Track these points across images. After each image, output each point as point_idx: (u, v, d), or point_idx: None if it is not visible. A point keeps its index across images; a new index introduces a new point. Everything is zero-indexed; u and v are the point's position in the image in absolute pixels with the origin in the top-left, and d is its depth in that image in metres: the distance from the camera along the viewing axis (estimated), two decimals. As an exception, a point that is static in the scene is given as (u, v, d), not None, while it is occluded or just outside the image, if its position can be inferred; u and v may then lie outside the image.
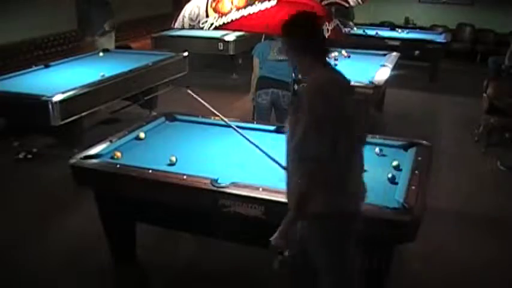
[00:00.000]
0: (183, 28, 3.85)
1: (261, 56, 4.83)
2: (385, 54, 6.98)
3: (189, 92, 3.47)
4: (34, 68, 5.86)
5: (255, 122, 4.17)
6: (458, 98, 7.75)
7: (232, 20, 3.56)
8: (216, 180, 2.83)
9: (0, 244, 3.79)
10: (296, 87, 4.81)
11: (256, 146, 3.11)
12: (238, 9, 3.53)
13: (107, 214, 3.36)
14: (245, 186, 2.78)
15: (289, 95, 4.87)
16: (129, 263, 3.51)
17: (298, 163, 2.15)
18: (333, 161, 2.10)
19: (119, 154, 3.29)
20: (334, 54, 6.82)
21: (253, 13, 3.50)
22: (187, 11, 3.71)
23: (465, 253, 3.76)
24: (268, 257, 2.32)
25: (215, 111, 3.38)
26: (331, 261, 2.34)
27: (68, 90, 4.80)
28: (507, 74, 6.60)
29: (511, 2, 10.12)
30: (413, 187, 2.78)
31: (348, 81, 2.36)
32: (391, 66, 6.27)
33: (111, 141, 3.48)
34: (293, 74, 4.97)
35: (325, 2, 6.08)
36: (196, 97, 3.43)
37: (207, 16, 3.60)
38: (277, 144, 3.63)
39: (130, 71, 5.76)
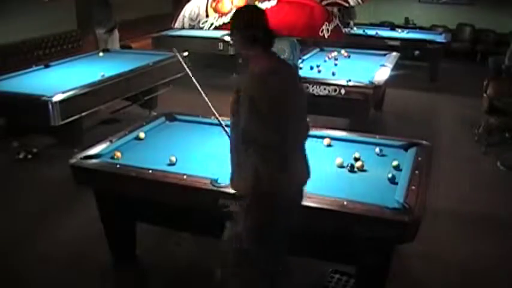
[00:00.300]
0: (183, 28, 3.86)
1: None
2: (385, 54, 6.98)
3: (177, 54, 3.46)
4: (34, 68, 5.86)
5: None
6: (458, 98, 7.75)
7: (232, 20, 3.55)
8: (216, 180, 2.83)
9: (0, 244, 3.79)
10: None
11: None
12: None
13: (107, 214, 3.36)
14: (245, 186, 2.78)
15: None
16: (129, 263, 3.51)
17: (245, 149, 2.23)
18: (274, 145, 2.21)
19: (118, 154, 3.29)
20: (334, 54, 6.83)
21: (253, 13, 3.50)
22: (187, 11, 3.71)
23: (465, 253, 3.76)
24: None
25: (201, 90, 3.30)
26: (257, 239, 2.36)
27: (68, 90, 4.80)
28: (507, 74, 6.59)
29: (511, 2, 10.12)
30: (413, 187, 2.79)
31: (293, 71, 2.46)
32: (391, 66, 6.28)
33: (111, 141, 3.48)
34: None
35: (325, 2, 6.08)
36: (183, 64, 3.40)
37: (207, 16, 3.60)
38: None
39: (130, 71, 5.76)
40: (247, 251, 2.35)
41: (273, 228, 2.33)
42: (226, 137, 2.79)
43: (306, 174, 2.46)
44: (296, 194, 2.41)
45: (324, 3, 5.73)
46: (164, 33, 8.58)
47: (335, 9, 5.93)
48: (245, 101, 2.19)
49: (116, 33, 7.86)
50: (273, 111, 2.19)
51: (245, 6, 2.39)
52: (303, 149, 2.44)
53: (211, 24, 3.61)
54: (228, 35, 8.17)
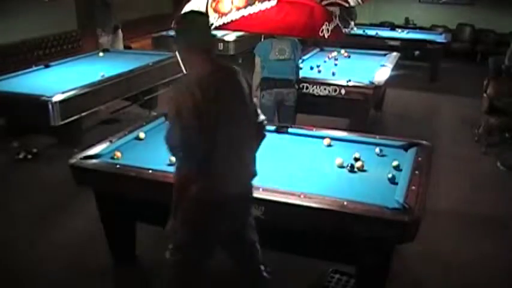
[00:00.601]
0: (183, 28, 3.85)
1: (262, 56, 4.84)
2: (385, 54, 6.98)
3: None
4: (34, 68, 5.86)
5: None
6: (458, 98, 7.75)
7: (232, 20, 3.56)
8: (216, 180, 2.83)
9: (0, 244, 3.79)
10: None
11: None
12: (238, 9, 3.53)
13: (107, 214, 3.36)
14: (245, 186, 2.78)
15: (294, 92, 4.90)
16: (129, 263, 3.51)
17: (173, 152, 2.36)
18: (198, 149, 2.25)
19: (118, 154, 3.29)
20: (334, 54, 6.83)
21: (253, 13, 3.51)
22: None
23: (465, 253, 3.76)
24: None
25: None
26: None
27: (68, 90, 4.80)
28: (507, 74, 6.59)
29: (511, 2, 10.12)
30: (413, 187, 2.79)
31: (232, 77, 2.40)
32: (391, 66, 6.28)
33: (111, 141, 3.48)
34: (296, 73, 5.01)
35: (325, 2, 6.08)
36: None
37: (207, 16, 3.60)
38: (277, 144, 3.64)
39: (130, 71, 5.76)
40: (180, 241, 2.43)
41: (200, 227, 2.39)
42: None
43: (247, 176, 2.47)
44: (232, 197, 2.38)
45: (324, 3, 5.72)
46: (164, 33, 8.57)
47: (335, 9, 5.93)
48: (172, 107, 2.26)
49: (120, 34, 7.86)
50: (194, 119, 2.20)
51: (189, 12, 2.42)
52: (244, 153, 2.44)
53: (211, 24, 3.61)
54: (226, 35, 8.21)
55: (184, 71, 2.44)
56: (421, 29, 10.44)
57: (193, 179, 2.29)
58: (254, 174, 2.51)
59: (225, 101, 2.29)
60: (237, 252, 2.63)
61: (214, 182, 2.33)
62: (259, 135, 2.59)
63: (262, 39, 4.93)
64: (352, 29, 9.44)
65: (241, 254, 2.63)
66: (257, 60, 4.88)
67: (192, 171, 2.28)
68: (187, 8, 3.74)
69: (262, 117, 2.61)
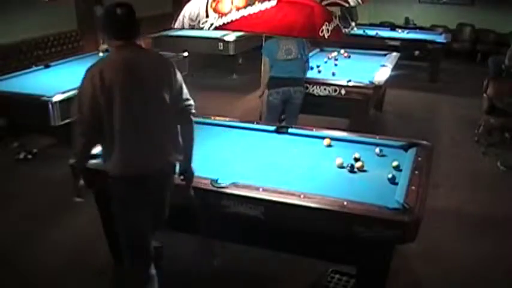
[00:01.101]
0: (183, 28, 3.86)
1: (269, 56, 4.88)
2: (385, 54, 6.98)
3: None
4: (34, 68, 5.87)
5: (260, 120, 4.15)
6: (458, 98, 7.75)
7: (232, 20, 3.56)
8: (216, 181, 2.83)
9: (0, 244, 3.79)
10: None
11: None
12: (238, 9, 3.54)
13: (107, 214, 3.35)
14: (245, 187, 2.78)
15: (301, 90, 4.94)
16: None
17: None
18: (100, 131, 2.45)
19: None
20: (334, 54, 6.84)
21: (253, 13, 3.51)
22: (187, 11, 3.72)
23: (465, 253, 3.76)
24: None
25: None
26: (116, 221, 2.66)
27: (68, 90, 4.80)
28: (507, 74, 6.59)
29: (511, 2, 10.12)
30: (413, 187, 2.78)
31: (151, 59, 2.61)
32: (391, 66, 6.28)
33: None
34: (303, 71, 5.02)
35: (325, 2, 6.08)
36: None
37: (207, 16, 3.60)
38: (278, 144, 3.64)
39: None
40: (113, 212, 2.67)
41: (116, 200, 2.60)
42: (226, 137, 2.80)
43: (160, 155, 2.59)
44: (144, 173, 2.53)
45: (324, 3, 5.72)
46: (164, 33, 8.58)
47: (335, 9, 5.93)
48: (82, 85, 2.46)
49: None
50: (101, 96, 2.39)
51: (114, 4, 2.60)
52: (157, 133, 2.56)
53: (211, 24, 3.62)
54: (226, 35, 8.21)
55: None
56: (421, 29, 10.43)
57: (104, 155, 2.57)
58: (174, 155, 2.63)
59: (135, 83, 2.44)
60: (157, 225, 2.79)
61: (121, 160, 2.49)
62: (182, 118, 2.67)
63: (264, 39, 4.93)
64: (352, 29, 9.45)
65: (156, 227, 2.79)
66: (265, 59, 4.89)
67: (105, 153, 2.55)
68: (187, 8, 3.75)
69: (190, 102, 2.70)
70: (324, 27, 3.57)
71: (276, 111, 4.96)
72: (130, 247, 2.68)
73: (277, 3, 3.49)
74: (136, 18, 2.64)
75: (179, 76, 2.63)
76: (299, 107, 5.01)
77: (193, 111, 2.71)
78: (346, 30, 8.57)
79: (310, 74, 5.68)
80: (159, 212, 2.75)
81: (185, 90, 2.67)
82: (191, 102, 2.70)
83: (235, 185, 2.80)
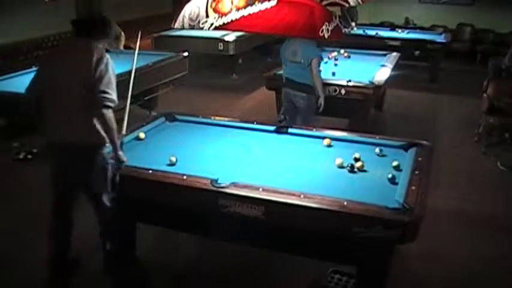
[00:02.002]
0: (183, 28, 3.86)
1: (281, 55, 4.97)
2: (385, 54, 6.99)
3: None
4: (34, 68, 5.85)
5: (258, 120, 4.15)
6: (458, 98, 7.76)
7: (232, 20, 3.56)
8: (216, 181, 2.83)
9: (0, 244, 3.78)
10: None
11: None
12: (238, 9, 3.53)
13: (107, 214, 3.35)
14: (245, 186, 2.78)
15: (302, 96, 4.81)
16: (129, 263, 3.50)
17: None
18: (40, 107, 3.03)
19: (118, 154, 3.30)
20: (334, 54, 6.83)
21: (253, 13, 3.50)
22: (187, 11, 3.71)
23: (465, 253, 3.76)
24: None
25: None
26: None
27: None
28: (507, 74, 6.60)
29: (511, 2, 10.12)
30: (413, 187, 2.79)
31: (79, 52, 3.05)
32: (391, 66, 6.28)
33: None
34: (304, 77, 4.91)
35: (325, 2, 6.07)
36: None
37: (207, 16, 3.60)
38: (278, 144, 3.64)
39: (130, 71, 5.74)
40: None
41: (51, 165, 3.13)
42: (226, 137, 2.80)
43: (73, 133, 2.96)
44: (58, 144, 3.01)
45: (324, 3, 5.72)
46: (164, 33, 8.58)
47: (335, 9, 5.92)
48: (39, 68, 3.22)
49: (122, 37, 7.86)
50: (36, 78, 3.08)
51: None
52: (72, 114, 2.95)
53: (211, 24, 3.61)
54: (226, 35, 8.21)
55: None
56: (421, 29, 10.44)
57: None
58: (86, 135, 2.97)
59: (61, 71, 2.94)
60: (88, 197, 3.18)
61: (48, 132, 3.01)
62: (93, 109, 2.94)
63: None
64: (352, 29, 9.45)
65: (90, 200, 3.19)
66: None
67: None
68: (187, 8, 3.74)
69: (106, 95, 2.95)
70: (324, 27, 3.56)
71: (286, 111, 4.95)
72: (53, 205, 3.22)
73: (277, 3, 3.49)
74: (99, 25, 3.26)
75: (103, 72, 2.99)
76: (303, 112, 4.85)
77: (107, 103, 2.93)
78: (346, 30, 8.56)
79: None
80: (76, 180, 3.13)
81: (106, 84, 2.96)
82: (108, 96, 2.95)
83: (235, 185, 2.80)
